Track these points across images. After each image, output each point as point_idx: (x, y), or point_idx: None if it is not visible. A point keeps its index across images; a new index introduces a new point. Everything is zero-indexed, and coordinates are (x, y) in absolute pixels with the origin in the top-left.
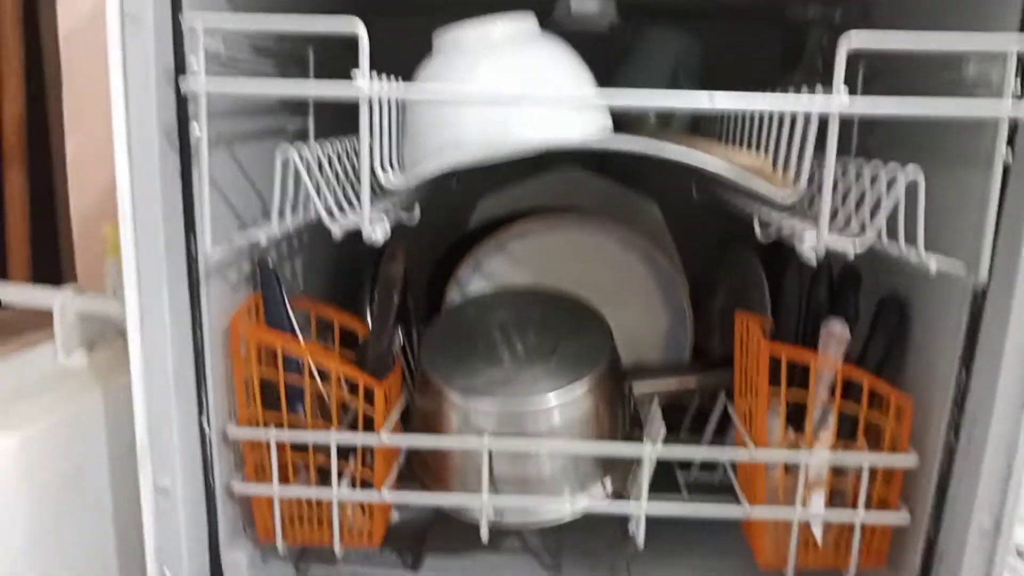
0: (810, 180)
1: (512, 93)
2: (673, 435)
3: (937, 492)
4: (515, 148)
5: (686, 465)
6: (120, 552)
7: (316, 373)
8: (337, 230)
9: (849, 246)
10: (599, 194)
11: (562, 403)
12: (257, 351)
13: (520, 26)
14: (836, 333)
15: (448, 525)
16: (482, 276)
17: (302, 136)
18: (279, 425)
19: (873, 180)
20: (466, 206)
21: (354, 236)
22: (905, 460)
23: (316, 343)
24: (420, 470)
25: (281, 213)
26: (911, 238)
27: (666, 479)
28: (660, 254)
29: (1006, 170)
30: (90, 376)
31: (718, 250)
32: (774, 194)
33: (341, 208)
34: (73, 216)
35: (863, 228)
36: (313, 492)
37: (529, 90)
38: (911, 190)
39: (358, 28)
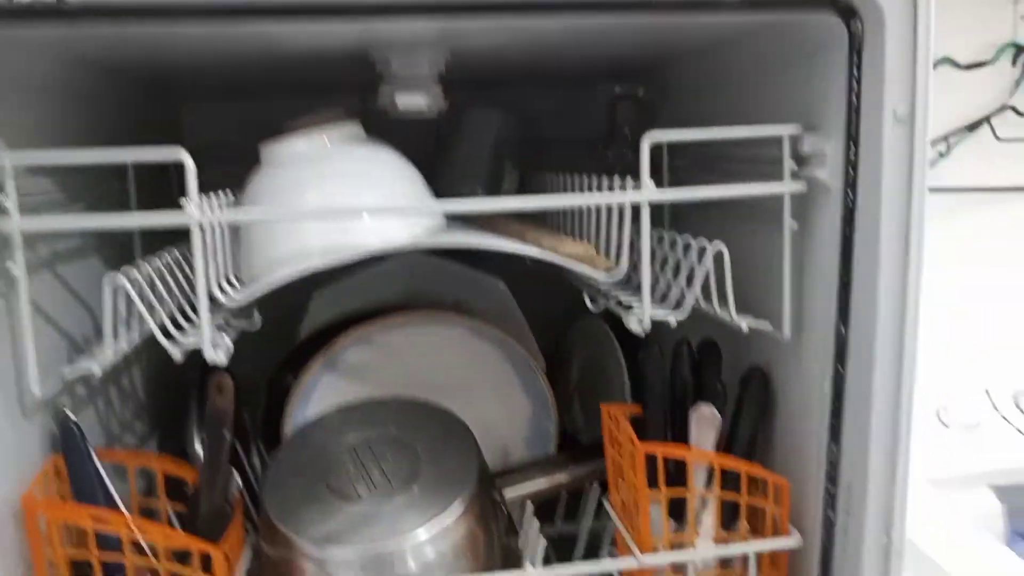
0: (633, 259)
1: (343, 207)
2: (547, 525)
3: (821, 569)
4: (353, 254)
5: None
6: None
7: (143, 546)
8: (177, 353)
9: (671, 316)
10: (442, 276)
11: (433, 536)
12: (62, 530)
13: (346, 133)
14: (707, 416)
15: None
16: (323, 391)
17: (127, 247)
18: None
19: (686, 252)
20: (300, 301)
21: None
22: (788, 542)
23: (137, 501)
24: None
25: (116, 337)
26: (725, 302)
27: None
28: (514, 340)
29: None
30: None
31: (569, 323)
32: (597, 276)
33: (179, 327)
34: None
35: (683, 297)
36: None
37: (361, 201)
38: (720, 260)
39: (183, 157)
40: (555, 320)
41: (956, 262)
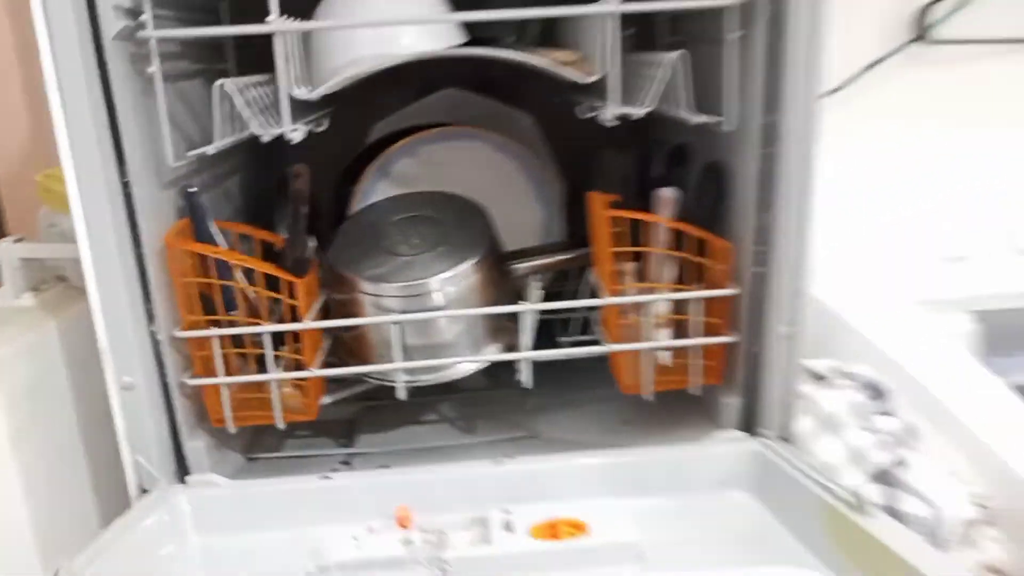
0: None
1: (388, 18)
2: (554, 314)
3: (751, 314)
4: (394, 59)
5: (566, 333)
6: (89, 445)
7: (244, 277)
8: (266, 135)
9: (635, 111)
10: (479, 110)
11: (453, 281)
12: (193, 266)
13: None
14: (664, 196)
15: (374, 410)
16: (380, 187)
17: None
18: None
19: (654, 63)
20: (365, 131)
21: (264, 167)
22: (730, 291)
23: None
24: (344, 354)
25: (222, 128)
26: (687, 104)
27: (550, 346)
28: (531, 155)
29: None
30: (41, 311)
31: (595, 158)
32: (580, 77)
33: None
34: None
35: (646, 94)
36: (254, 377)
37: (402, 14)
38: (681, 64)
39: None
40: (583, 155)
41: (967, 111)
